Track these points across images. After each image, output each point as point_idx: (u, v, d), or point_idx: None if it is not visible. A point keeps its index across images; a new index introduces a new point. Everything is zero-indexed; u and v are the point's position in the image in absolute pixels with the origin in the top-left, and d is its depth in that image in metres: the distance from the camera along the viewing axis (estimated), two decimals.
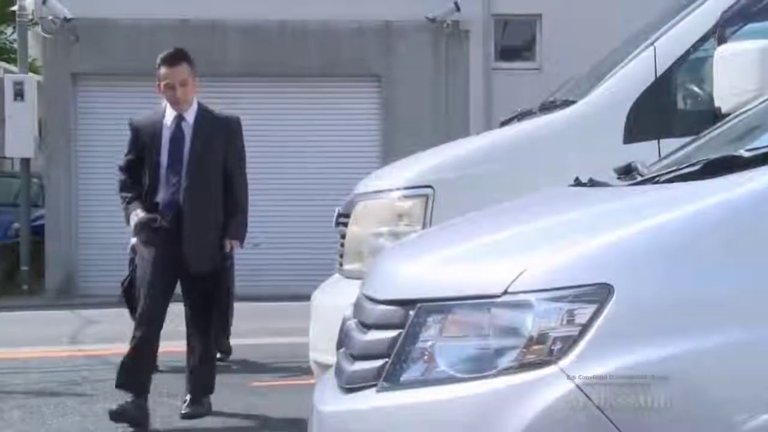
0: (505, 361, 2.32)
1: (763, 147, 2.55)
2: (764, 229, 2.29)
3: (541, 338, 2.30)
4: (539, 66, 15.19)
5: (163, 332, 5.90)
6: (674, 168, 2.82)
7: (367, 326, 2.65)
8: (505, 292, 2.34)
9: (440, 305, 2.44)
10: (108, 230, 14.74)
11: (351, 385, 2.59)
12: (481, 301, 2.37)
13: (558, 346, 2.28)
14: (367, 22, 14.97)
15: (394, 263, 2.84)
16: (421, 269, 2.67)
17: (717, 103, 4.05)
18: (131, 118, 6.11)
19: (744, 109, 3.21)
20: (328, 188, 13.56)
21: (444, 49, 15.23)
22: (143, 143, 5.93)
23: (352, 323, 2.82)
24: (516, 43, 15.88)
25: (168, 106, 6.01)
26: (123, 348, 6.03)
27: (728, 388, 2.22)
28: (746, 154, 2.51)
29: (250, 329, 9.82)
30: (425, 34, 15.17)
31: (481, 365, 2.35)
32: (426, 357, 2.43)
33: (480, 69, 15.23)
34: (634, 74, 4.42)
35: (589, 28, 13.11)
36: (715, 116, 3.91)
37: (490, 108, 14.90)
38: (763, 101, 3.10)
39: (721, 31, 4.35)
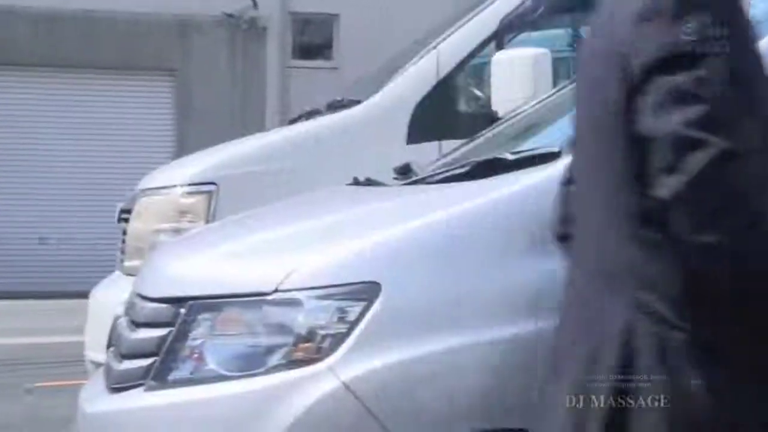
0: (274, 359, 2.31)
1: (527, 150, 2.65)
2: (518, 229, 2.36)
3: (310, 336, 2.30)
4: (337, 65, 15.30)
5: None
6: (445, 169, 2.89)
7: (137, 324, 2.60)
8: (276, 290, 2.33)
9: (211, 303, 2.41)
10: None
11: (118, 385, 2.53)
12: (252, 299, 2.36)
13: (327, 343, 2.29)
14: (164, 15, 14.71)
15: (166, 260, 2.80)
16: (192, 266, 2.64)
17: (494, 107, 4.18)
18: None
19: (514, 114, 3.32)
20: (117, 183, 13.24)
21: (241, 45, 15.15)
22: None
23: (123, 321, 2.75)
24: (313, 41, 15.95)
25: None
26: None
27: (480, 388, 2.27)
28: (511, 157, 2.60)
29: (31, 328, 9.46)
30: (222, 29, 15.05)
31: (250, 363, 2.33)
32: (196, 355, 2.39)
33: (277, 66, 15.23)
34: (418, 76, 4.51)
35: (385, 29, 13.30)
36: (493, 120, 4.03)
37: (287, 105, 14.90)
38: (533, 106, 3.21)
39: (500, 37, 4.49)
